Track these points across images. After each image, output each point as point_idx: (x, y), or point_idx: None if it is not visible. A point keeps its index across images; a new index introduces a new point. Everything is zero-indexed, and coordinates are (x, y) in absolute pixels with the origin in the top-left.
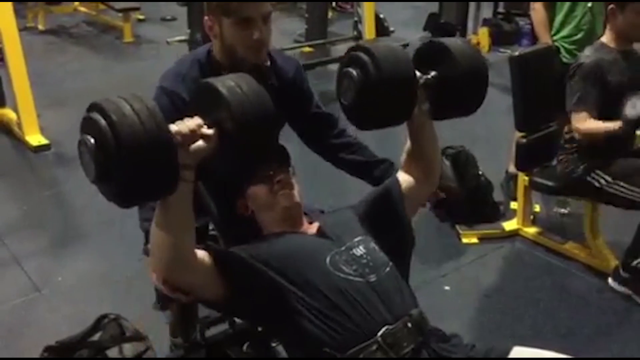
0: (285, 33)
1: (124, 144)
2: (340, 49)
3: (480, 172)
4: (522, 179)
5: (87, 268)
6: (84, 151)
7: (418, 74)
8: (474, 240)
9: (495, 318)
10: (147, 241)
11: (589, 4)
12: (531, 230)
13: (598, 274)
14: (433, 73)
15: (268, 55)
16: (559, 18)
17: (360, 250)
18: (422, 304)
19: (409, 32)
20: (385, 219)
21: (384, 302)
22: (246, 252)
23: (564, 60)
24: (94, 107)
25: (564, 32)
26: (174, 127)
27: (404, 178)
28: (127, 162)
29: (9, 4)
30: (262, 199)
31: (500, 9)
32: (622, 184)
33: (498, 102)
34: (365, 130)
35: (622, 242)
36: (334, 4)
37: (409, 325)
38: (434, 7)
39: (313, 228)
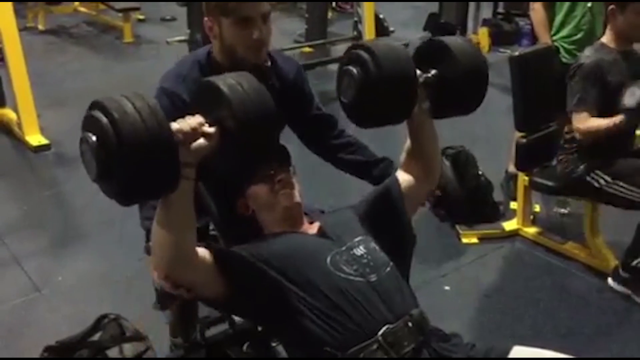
0: (285, 33)
1: (125, 142)
2: (340, 49)
3: (480, 172)
4: (522, 179)
5: (87, 268)
6: (85, 149)
7: (418, 72)
8: (474, 240)
9: (495, 318)
10: (148, 239)
11: (589, 4)
12: (531, 230)
13: (598, 274)
14: (433, 72)
15: (269, 56)
16: (558, 18)
17: (360, 250)
18: (422, 304)
19: (409, 32)
20: (386, 219)
21: (384, 301)
22: (247, 252)
23: (564, 60)
24: (95, 105)
25: (564, 32)
26: (175, 125)
27: (403, 177)
28: (128, 160)
29: (9, 4)
30: (263, 199)
31: (500, 9)
32: (621, 184)
33: (498, 102)
34: (365, 129)
35: (622, 242)
36: (334, 4)
37: (410, 324)
38: (434, 7)
39: (314, 228)
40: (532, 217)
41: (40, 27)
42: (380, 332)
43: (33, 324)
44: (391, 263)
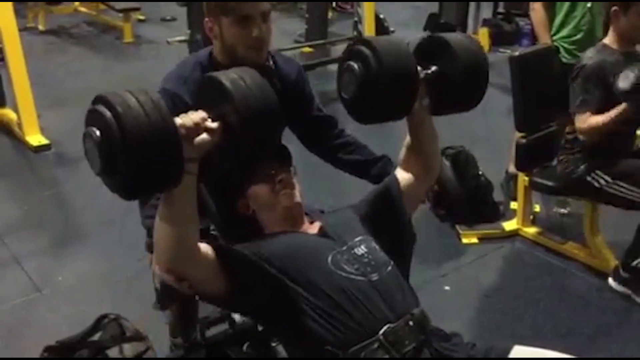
0: (285, 33)
1: (129, 136)
2: (340, 49)
3: (480, 172)
4: (522, 179)
5: (88, 268)
6: (89, 144)
7: (418, 68)
8: (474, 240)
9: (495, 318)
10: (148, 236)
11: (589, 5)
12: (531, 230)
13: (598, 274)
14: (433, 68)
15: (270, 57)
16: (558, 18)
17: (361, 250)
18: (422, 304)
19: (409, 32)
20: (386, 218)
21: (385, 300)
22: (248, 250)
23: (564, 60)
24: (99, 99)
25: (564, 33)
26: (178, 120)
27: (402, 176)
28: (132, 154)
29: (9, 4)
30: (264, 199)
31: (500, 9)
32: (622, 184)
33: (498, 102)
34: (365, 125)
35: (622, 242)
36: (334, 4)
37: (411, 323)
38: (434, 7)
39: (314, 228)
40: (532, 217)
41: (41, 27)
42: (382, 331)
43: (33, 323)
44: (392, 262)
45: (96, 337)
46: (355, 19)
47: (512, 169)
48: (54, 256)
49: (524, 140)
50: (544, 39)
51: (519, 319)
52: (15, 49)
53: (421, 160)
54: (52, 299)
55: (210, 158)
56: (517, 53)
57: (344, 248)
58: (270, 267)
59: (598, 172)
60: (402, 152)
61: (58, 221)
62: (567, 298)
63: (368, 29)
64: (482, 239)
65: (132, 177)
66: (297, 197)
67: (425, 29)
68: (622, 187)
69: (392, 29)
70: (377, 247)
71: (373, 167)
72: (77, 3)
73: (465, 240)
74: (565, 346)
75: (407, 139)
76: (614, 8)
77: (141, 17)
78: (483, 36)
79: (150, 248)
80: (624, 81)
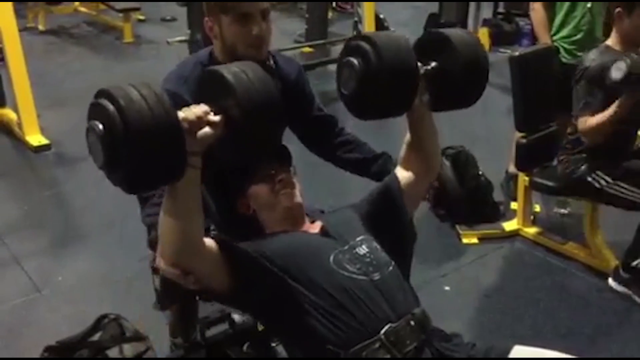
0: (285, 33)
1: (132, 129)
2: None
3: (480, 172)
4: (522, 179)
5: (88, 268)
6: (92, 138)
7: (418, 64)
8: (474, 240)
9: (495, 318)
10: (149, 234)
11: (589, 5)
12: (531, 231)
13: (598, 274)
14: (433, 64)
15: (271, 57)
16: (558, 18)
17: (363, 249)
18: (423, 304)
19: (409, 32)
20: (386, 217)
21: (387, 300)
22: (250, 248)
23: (564, 60)
24: (102, 93)
25: (564, 33)
26: (180, 114)
27: (402, 174)
28: (135, 147)
29: (9, 4)
30: (264, 198)
31: (501, 9)
32: (622, 184)
33: (498, 102)
34: (365, 121)
35: (622, 242)
36: (334, 4)
37: (412, 323)
38: (434, 7)
39: (316, 227)
40: (532, 217)
41: (41, 27)
42: (383, 331)
43: (33, 324)
44: (393, 262)
45: (96, 337)
46: (355, 19)
47: (512, 169)
48: (54, 256)
49: (524, 140)
50: (544, 39)
51: (519, 319)
52: (15, 49)
53: (421, 157)
54: (52, 299)
55: (212, 153)
56: (517, 53)
57: (346, 247)
58: (271, 265)
59: (599, 172)
60: (402, 150)
61: (58, 221)
62: (567, 298)
63: (368, 29)
64: (482, 239)
65: (135, 170)
66: (298, 197)
67: (425, 29)
68: (622, 187)
69: (392, 29)
70: (378, 246)
71: (373, 165)
72: (77, 3)
73: (465, 240)
74: (565, 346)
75: (407, 136)
76: (618, 9)
77: (141, 17)
78: (483, 36)
79: (152, 245)
80: (616, 72)
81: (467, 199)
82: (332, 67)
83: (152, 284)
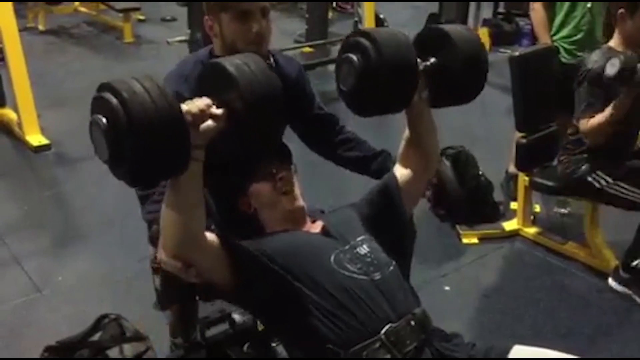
0: (285, 33)
1: (135, 122)
2: None
3: (480, 172)
4: (523, 179)
5: (88, 268)
6: (96, 132)
7: (418, 60)
8: (474, 240)
9: (495, 318)
10: (150, 229)
11: (589, 5)
12: (531, 231)
13: (598, 274)
14: (432, 60)
15: (271, 56)
16: (558, 18)
17: (364, 249)
18: (423, 304)
19: (409, 32)
20: (385, 217)
21: (388, 300)
22: (252, 246)
23: (564, 60)
24: (104, 87)
25: (564, 33)
26: (183, 107)
27: (401, 172)
28: (139, 140)
29: (9, 4)
30: (265, 197)
31: (501, 9)
32: (623, 184)
33: (498, 102)
34: (364, 117)
35: (622, 242)
36: (334, 4)
37: (412, 323)
38: (434, 7)
39: (317, 227)
40: (532, 217)
41: (41, 27)
42: (383, 331)
43: (33, 324)
44: (394, 262)
45: (96, 337)
46: (355, 19)
47: (512, 169)
48: (54, 256)
49: (524, 140)
50: (544, 39)
51: (519, 319)
52: (15, 49)
53: (420, 154)
54: (52, 299)
55: (215, 146)
56: (517, 53)
57: (347, 247)
58: (272, 264)
59: (599, 172)
60: (401, 146)
61: (58, 221)
62: (567, 298)
63: None
64: (482, 239)
65: (139, 163)
66: (299, 201)
67: None
68: (623, 187)
69: None
70: (378, 246)
71: (373, 163)
72: (77, 3)
73: (465, 241)
74: (565, 346)
75: (406, 132)
76: (620, 10)
77: (141, 17)
78: (483, 36)
79: (152, 240)
80: (610, 68)
81: (467, 199)
82: (332, 67)
83: (152, 284)
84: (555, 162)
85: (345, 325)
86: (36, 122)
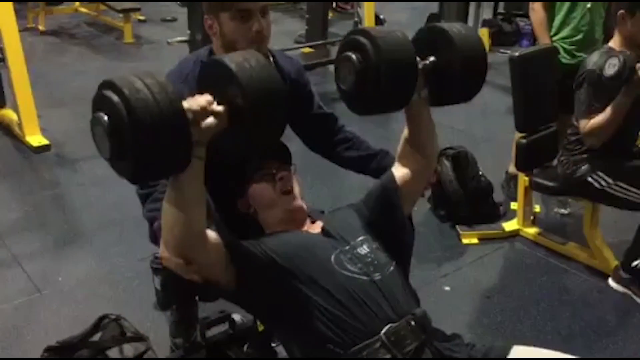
0: (285, 33)
1: (137, 118)
2: None
3: (480, 173)
4: (522, 179)
5: (88, 268)
6: (97, 129)
7: (417, 59)
8: (474, 240)
9: (496, 318)
10: (151, 226)
11: (588, 5)
12: (531, 231)
13: (598, 274)
14: (432, 58)
15: (271, 55)
16: (558, 19)
17: (364, 249)
18: (422, 304)
19: (409, 32)
20: (384, 217)
21: (388, 300)
22: (252, 246)
23: (564, 60)
24: (106, 84)
25: (563, 33)
26: (185, 104)
27: (399, 171)
28: (141, 137)
29: (10, 4)
30: (265, 197)
31: (501, 10)
32: (623, 185)
33: (498, 103)
34: (363, 116)
35: (622, 242)
36: (334, 4)
37: (412, 323)
38: (434, 7)
39: (317, 227)
40: (532, 217)
41: (41, 27)
42: (383, 331)
43: (34, 324)
44: (394, 262)
45: (96, 337)
46: (355, 19)
47: (512, 169)
48: (54, 256)
49: (524, 141)
50: (544, 40)
51: (519, 319)
52: (15, 49)
53: (419, 152)
54: (52, 299)
55: (217, 143)
56: (517, 53)
57: (347, 248)
58: (272, 263)
59: (599, 173)
60: (400, 145)
61: (58, 221)
62: (568, 298)
63: None
64: (482, 239)
65: (141, 160)
66: (299, 202)
67: None
68: (623, 188)
69: None
70: (378, 247)
71: (372, 162)
72: (77, 3)
73: (465, 241)
74: (565, 346)
75: (405, 131)
76: (621, 11)
77: (141, 18)
78: (483, 36)
79: (153, 237)
80: (609, 68)
81: (468, 199)
82: (332, 68)
83: (152, 284)
84: (555, 162)
85: (346, 325)
86: (36, 122)
